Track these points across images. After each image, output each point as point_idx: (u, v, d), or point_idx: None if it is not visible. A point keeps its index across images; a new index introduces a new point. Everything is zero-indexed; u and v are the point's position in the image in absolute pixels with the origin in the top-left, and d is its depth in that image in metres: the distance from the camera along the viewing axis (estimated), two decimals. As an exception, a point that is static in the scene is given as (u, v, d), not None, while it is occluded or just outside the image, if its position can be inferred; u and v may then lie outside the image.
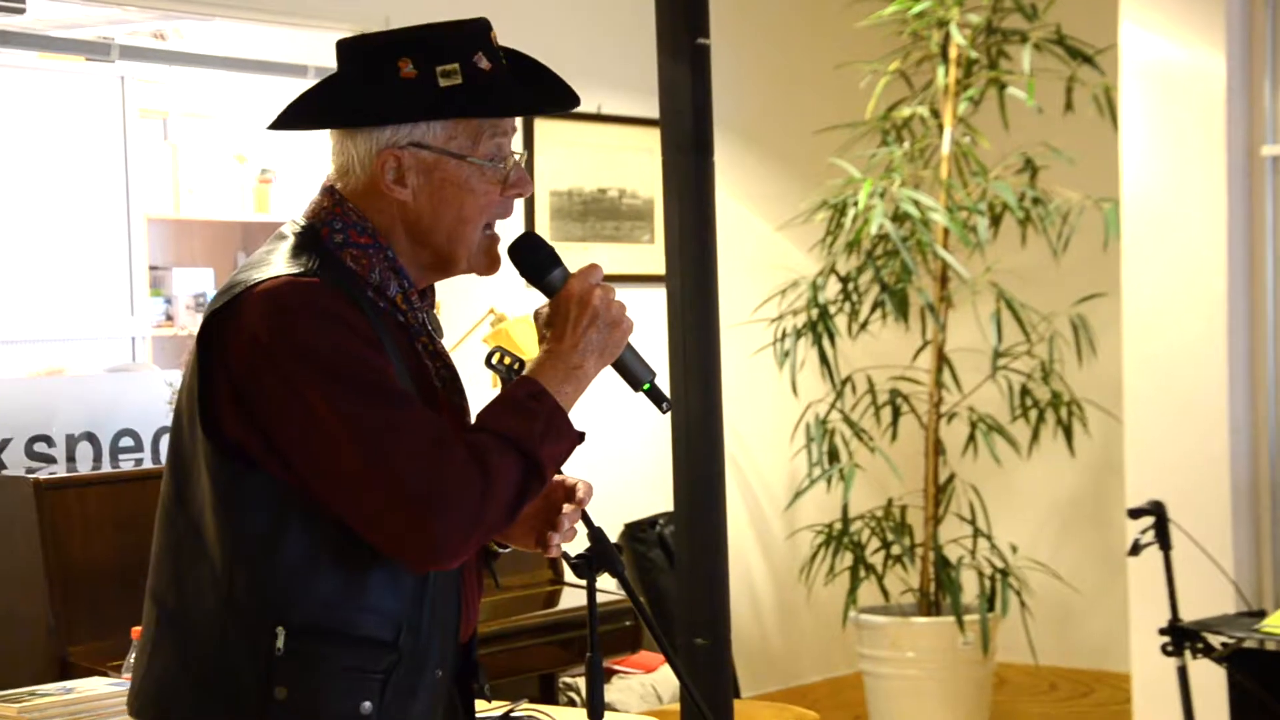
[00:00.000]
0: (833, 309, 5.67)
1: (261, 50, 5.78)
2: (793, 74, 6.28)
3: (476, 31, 2.05)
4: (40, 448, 4.07)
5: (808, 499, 5.85)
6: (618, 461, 5.67)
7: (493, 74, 2.03)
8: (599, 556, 2.20)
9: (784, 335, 5.69)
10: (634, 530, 5.66)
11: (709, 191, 3.66)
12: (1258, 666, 4.31)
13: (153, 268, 6.21)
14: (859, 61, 5.87)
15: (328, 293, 1.95)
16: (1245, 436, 5.05)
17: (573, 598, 4.56)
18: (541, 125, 5.47)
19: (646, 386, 2.11)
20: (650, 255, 5.71)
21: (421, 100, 2.02)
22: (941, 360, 5.66)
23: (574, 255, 5.55)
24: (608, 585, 4.33)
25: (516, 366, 2.16)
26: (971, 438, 5.70)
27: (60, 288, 5.86)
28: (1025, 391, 5.62)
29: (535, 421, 1.97)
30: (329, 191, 2.08)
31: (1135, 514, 4.38)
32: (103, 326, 5.97)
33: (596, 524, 2.22)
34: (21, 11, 5.20)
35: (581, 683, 4.65)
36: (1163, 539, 4.35)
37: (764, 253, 6.09)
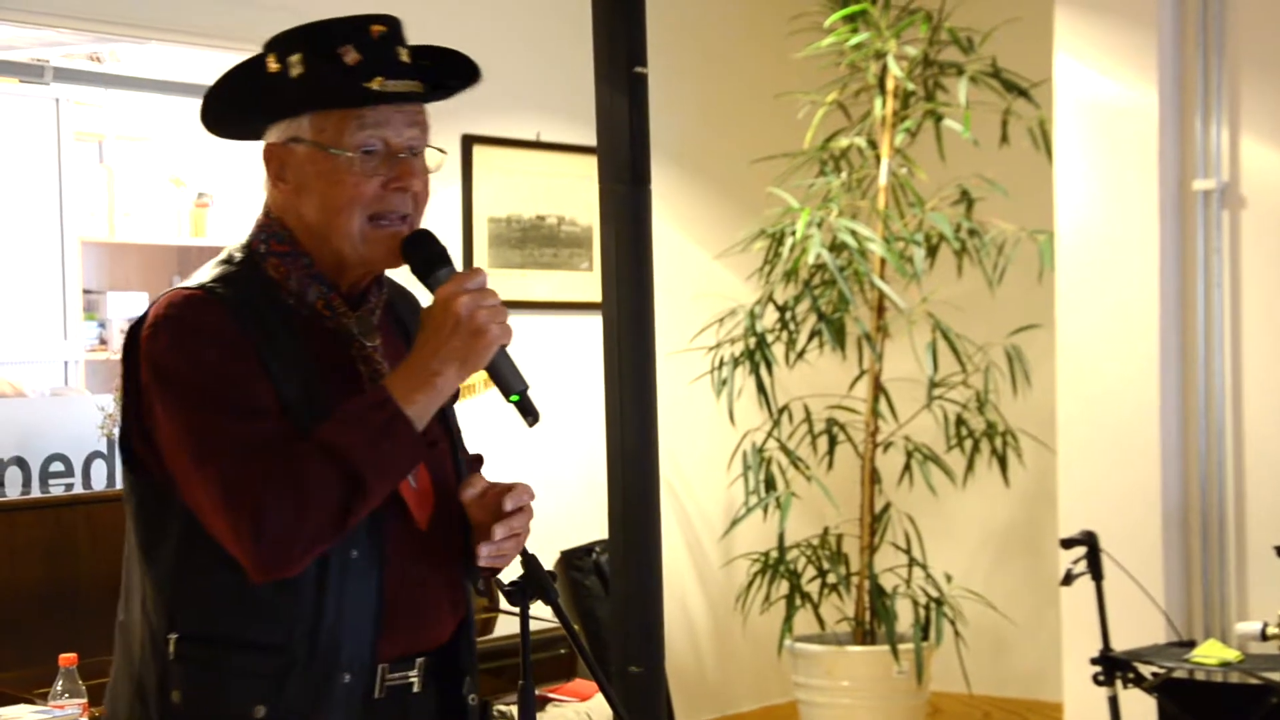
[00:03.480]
0: (770, 338, 5.69)
1: (198, 74, 5.75)
2: (731, 103, 6.31)
3: (342, 25, 2.03)
4: (-32, 472, 4.03)
5: (744, 527, 5.86)
6: (553, 488, 5.66)
7: (356, 67, 2.01)
8: (532, 583, 2.19)
9: (721, 364, 5.70)
10: (570, 558, 5.64)
11: (646, 219, 3.67)
12: (1187, 696, 4.34)
13: (86, 291, 6.16)
14: (797, 92, 5.90)
15: (201, 304, 1.99)
16: (1176, 468, 5.10)
17: (506, 625, 4.53)
18: (480, 152, 5.47)
19: (515, 398, 2.06)
20: (588, 282, 5.72)
21: (279, 95, 2.04)
22: (878, 389, 5.69)
23: (512, 282, 5.56)
24: (542, 613, 4.31)
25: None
26: (907, 467, 5.72)
27: (-9, 310, 5.80)
28: (960, 421, 5.65)
29: (364, 431, 1.94)
30: (264, 202, 2.13)
31: (1068, 544, 4.41)
32: (35, 350, 5.91)
33: (530, 551, 2.21)
34: (-45, 32, 5.16)
35: (515, 711, 4.62)
36: (1095, 569, 4.38)
37: (702, 281, 6.11)
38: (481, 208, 5.48)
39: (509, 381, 2.06)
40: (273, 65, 2.03)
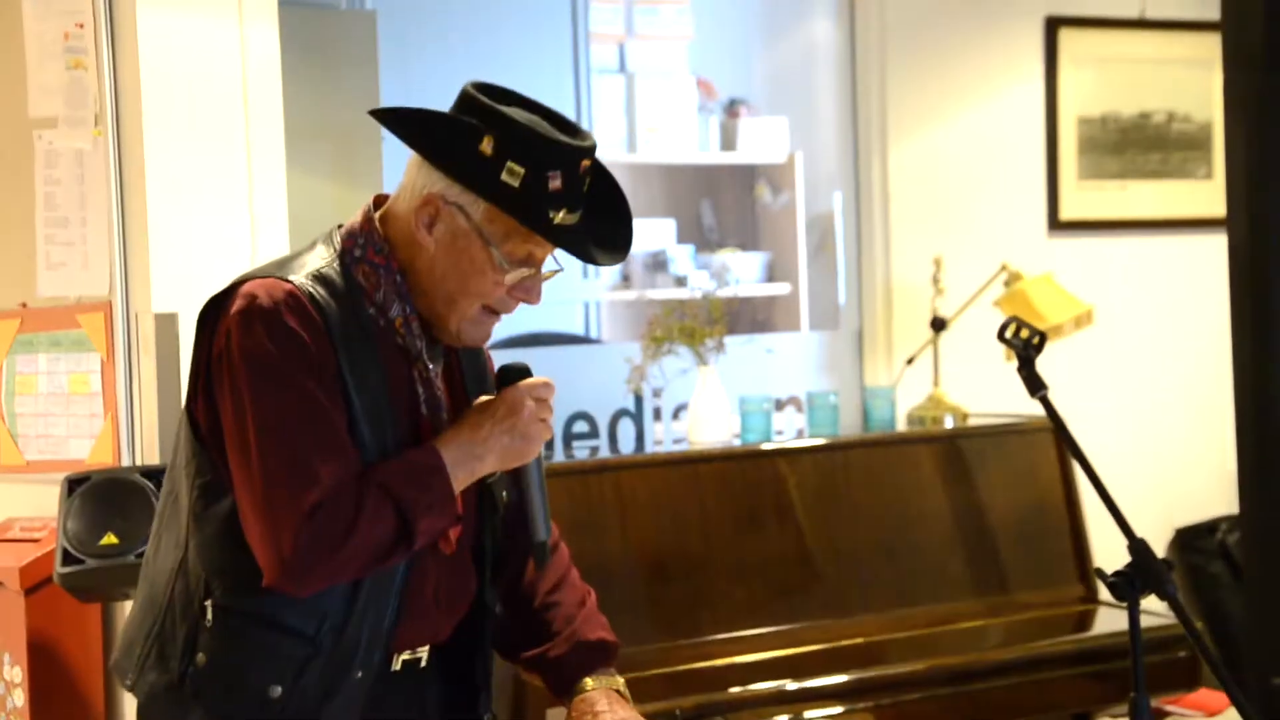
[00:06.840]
0: None
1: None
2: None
3: (565, 153, 2.45)
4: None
5: None
6: (1166, 453, 5.57)
7: (554, 195, 2.44)
8: (1142, 573, 2.19)
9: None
10: (1188, 538, 5.55)
11: (1283, 115, 3.58)
12: None
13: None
14: None
15: (292, 306, 2.44)
16: None
17: (1110, 621, 4.51)
18: (1068, 35, 5.43)
19: (537, 542, 2.59)
20: (1207, 194, 5.63)
21: (477, 175, 2.46)
22: None
23: (1108, 196, 5.49)
24: (1155, 607, 4.24)
25: (1036, 341, 2.16)
26: None
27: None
28: None
29: (426, 494, 2.44)
30: (371, 204, 2.59)
31: None
32: (553, 292, 6.22)
33: (1139, 535, 2.20)
34: None
35: (1123, 725, 4.57)
36: None
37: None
38: (1069, 105, 5.45)
39: (536, 526, 2.59)
40: (487, 150, 2.45)
